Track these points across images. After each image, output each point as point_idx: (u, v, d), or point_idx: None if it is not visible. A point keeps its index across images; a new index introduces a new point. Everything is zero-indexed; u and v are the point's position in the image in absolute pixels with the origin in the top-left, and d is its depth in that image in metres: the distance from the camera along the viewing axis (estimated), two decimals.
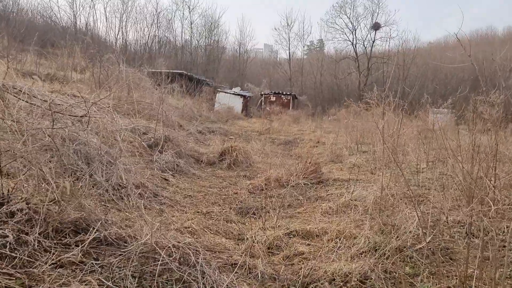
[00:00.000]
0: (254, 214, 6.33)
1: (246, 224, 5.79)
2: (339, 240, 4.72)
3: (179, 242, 4.04)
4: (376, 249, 4.31)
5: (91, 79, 18.52)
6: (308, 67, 51.92)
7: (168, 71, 28.73)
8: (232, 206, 6.65)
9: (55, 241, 3.87)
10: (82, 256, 3.73)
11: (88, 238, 3.93)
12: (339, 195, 6.99)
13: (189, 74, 32.20)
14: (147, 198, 6.26)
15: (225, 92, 31.75)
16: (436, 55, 48.18)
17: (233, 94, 31.49)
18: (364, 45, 46.83)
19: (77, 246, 3.90)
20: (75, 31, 40.21)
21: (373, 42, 46.68)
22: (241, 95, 31.72)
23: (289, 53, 51.52)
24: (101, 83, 16.18)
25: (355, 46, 46.60)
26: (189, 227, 5.12)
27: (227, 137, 16.81)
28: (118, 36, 44.95)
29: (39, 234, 3.80)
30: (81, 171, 5.50)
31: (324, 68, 50.46)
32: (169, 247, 3.78)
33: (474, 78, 40.00)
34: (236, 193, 7.74)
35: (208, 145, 12.82)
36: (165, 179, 7.89)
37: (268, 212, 6.20)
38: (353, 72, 46.54)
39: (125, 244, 4.13)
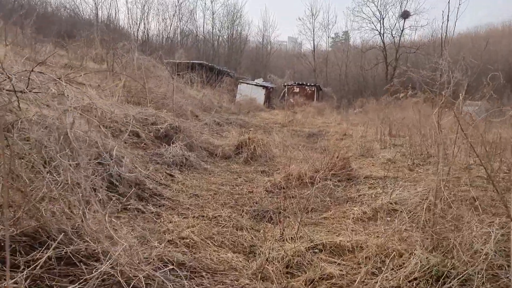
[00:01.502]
0: (271, 219, 5.24)
1: (261, 232, 4.71)
2: (380, 259, 3.58)
3: (163, 265, 2.98)
4: (434, 274, 3.16)
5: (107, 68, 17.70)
6: (333, 58, 50.28)
7: (188, 61, 27.84)
8: (245, 209, 5.57)
9: None
10: (28, 285, 2.72)
11: (39, 258, 2.91)
12: (373, 196, 5.82)
13: (209, 64, 31.20)
14: (143, 199, 5.23)
15: (247, 83, 30.62)
16: (468, 44, 45.94)
17: (255, 85, 30.36)
18: (392, 35, 44.92)
19: (29, 267, 2.90)
20: (96, 23, 39.77)
21: (402, 31, 44.70)
22: (264, 86, 30.56)
23: (314, 43, 50.01)
24: (115, 71, 15.33)
25: (383, 36, 44.73)
26: (186, 238, 4.06)
27: (247, 129, 15.77)
28: (140, 27, 44.33)
29: None
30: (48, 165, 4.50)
31: (349, 59, 48.77)
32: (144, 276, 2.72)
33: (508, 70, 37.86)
34: (252, 192, 6.66)
35: (225, 137, 11.77)
36: (170, 175, 6.86)
37: (288, 217, 5.10)
38: (380, 62, 44.72)
39: (95, 264, 3.10)
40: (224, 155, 9.62)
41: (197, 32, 49.38)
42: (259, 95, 29.71)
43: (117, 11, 56.27)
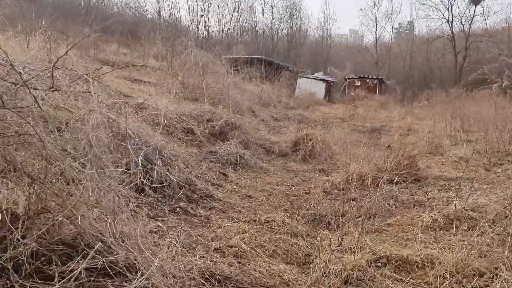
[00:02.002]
0: (329, 225, 4.81)
1: (317, 239, 4.31)
2: (456, 279, 3.07)
3: (206, 280, 2.67)
4: None
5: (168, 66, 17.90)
6: (396, 50, 48.24)
7: (246, 56, 27.70)
8: (301, 212, 5.18)
9: (30, 271, 2.69)
10: None
11: (74, 268, 2.70)
12: (445, 200, 5.21)
13: (268, 59, 30.90)
14: (193, 200, 4.98)
15: (307, 77, 30.00)
16: None
17: (315, 79, 29.68)
18: (461, 22, 42.28)
19: (64, 278, 2.71)
20: (158, 21, 40.73)
21: (472, 18, 41.94)
22: (324, 80, 29.81)
23: (376, 35, 48.24)
24: (174, 68, 15.41)
25: (451, 24, 42.22)
26: (235, 246, 3.74)
27: (305, 124, 15.30)
28: (200, 25, 44.92)
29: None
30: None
31: (414, 50, 46.56)
32: None
33: None
34: (309, 193, 6.26)
35: (282, 133, 11.40)
36: (224, 174, 6.60)
37: (347, 223, 4.65)
38: (448, 53, 42.29)
39: (134, 276, 2.85)
40: (280, 152, 9.25)
41: (256, 27, 49.30)
42: (319, 89, 29.02)
43: (178, 9, 57.40)
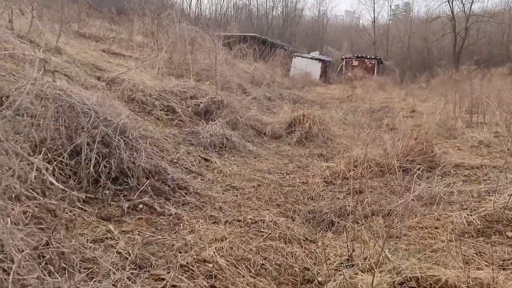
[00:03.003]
0: (333, 225, 3.83)
1: (319, 245, 3.33)
2: None
3: None
4: None
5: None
6: (394, 31, 47.01)
7: (239, 34, 26.46)
8: (297, 208, 4.20)
9: None
10: None
11: None
12: (475, 195, 4.22)
13: (262, 37, 29.63)
14: (162, 193, 3.96)
15: (302, 57, 28.80)
16: None
17: (311, 58, 28.49)
18: (462, 2, 41.01)
19: None
20: None
21: None
22: (320, 60, 28.64)
23: (374, 14, 47.09)
24: (159, 42, 14.22)
25: (451, 4, 40.93)
26: (209, 261, 2.75)
27: (301, 104, 14.28)
28: (193, 2, 43.32)
29: None
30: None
31: (412, 30, 45.35)
32: None
33: None
34: (306, 182, 5.26)
35: (276, 114, 10.37)
36: (205, 160, 5.58)
37: (356, 224, 3.68)
38: (447, 33, 41.13)
39: None
40: (274, 134, 8.24)
41: (250, 5, 47.81)
42: (315, 69, 27.90)
43: None
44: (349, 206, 4.13)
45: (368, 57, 29.79)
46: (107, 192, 3.64)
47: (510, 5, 39.68)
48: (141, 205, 3.59)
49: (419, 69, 39.55)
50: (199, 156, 5.59)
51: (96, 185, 3.69)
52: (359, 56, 29.74)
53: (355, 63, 28.87)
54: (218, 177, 4.94)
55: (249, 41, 25.50)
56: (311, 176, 5.58)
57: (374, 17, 46.53)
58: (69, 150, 3.72)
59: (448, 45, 43.01)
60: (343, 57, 30.81)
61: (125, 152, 4.00)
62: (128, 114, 6.06)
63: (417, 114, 13.15)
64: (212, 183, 4.72)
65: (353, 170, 5.64)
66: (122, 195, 3.69)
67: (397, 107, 15.64)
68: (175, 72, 11.16)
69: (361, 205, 4.18)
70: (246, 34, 27.58)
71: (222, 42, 17.87)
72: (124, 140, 4.14)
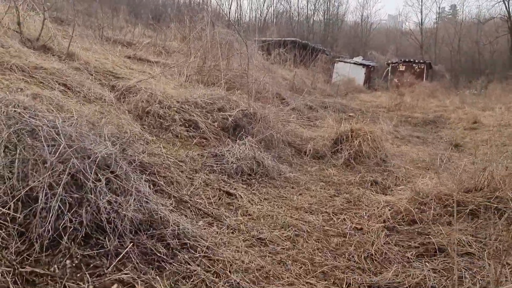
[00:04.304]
0: None
1: None
2: None
3: None
4: None
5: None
6: (442, 33, 44.44)
7: (279, 39, 25.25)
8: (351, 280, 2.87)
9: None
10: None
11: None
12: None
13: (303, 41, 28.27)
14: (154, 259, 2.73)
15: (345, 62, 27.21)
16: None
17: (354, 63, 26.85)
18: None
19: None
20: (189, 4, 38.56)
21: None
22: (364, 65, 26.94)
23: (421, 16, 44.67)
24: (192, 47, 13.19)
25: (507, 3, 38.08)
26: None
27: (346, 114, 12.85)
28: (232, 7, 42.49)
29: None
30: None
31: (462, 33, 42.68)
32: None
33: None
34: (361, 228, 3.91)
35: (318, 127, 9.02)
36: (228, 193, 4.32)
37: None
38: (502, 35, 38.33)
39: None
40: (316, 153, 6.92)
41: (290, 9, 46.57)
42: (359, 75, 26.25)
43: None
44: (430, 280, 2.76)
45: (417, 61, 27.81)
46: (67, 262, 2.44)
47: None
48: (115, 286, 2.37)
49: (470, 74, 37.07)
50: (220, 188, 4.34)
51: (55, 249, 2.51)
52: (407, 60, 27.80)
53: (402, 68, 26.97)
54: (241, 223, 3.66)
55: (289, 46, 24.25)
56: (366, 217, 4.22)
57: (421, 18, 44.27)
58: (19, 196, 2.55)
59: (501, 48, 40.20)
60: (389, 61, 28.93)
61: (105, 197, 2.80)
62: (136, 132, 4.92)
63: (480, 126, 11.44)
64: (233, 232, 3.45)
65: (422, 208, 4.26)
66: (90, 266, 2.48)
67: (454, 117, 13.93)
68: (205, 79, 10.03)
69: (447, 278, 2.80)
70: (285, 38, 26.31)
71: (259, 47, 16.73)
72: (106, 178, 2.95)
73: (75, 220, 2.63)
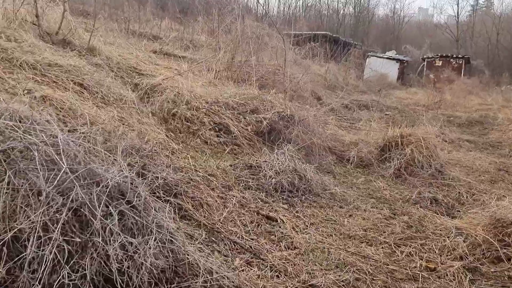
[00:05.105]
0: None
1: None
2: None
3: None
4: None
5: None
6: (479, 26, 42.52)
7: (309, 32, 24.35)
8: None
9: None
10: None
11: None
12: None
13: (334, 35, 27.27)
14: None
15: (378, 56, 26.08)
16: None
17: (387, 58, 25.70)
18: None
19: None
20: None
21: None
22: (397, 60, 25.75)
23: (458, 8, 42.79)
24: (220, 41, 12.50)
25: None
26: None
27: (382, 113, 11.98)
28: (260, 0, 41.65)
29: None
30: None
31: (501, 26, 40.72)
32: None
33: None
34: (434, 269, 3.15)
35: (358, 129, 8.21)
36: (267, 218, 3.61)
37: None
38: None
39: None
40: (360, 161, 6.16)
41: (320, 1, 45.46)
42: (392, 70, 25.11)
43: None
44: None
45: (454, 56, 26.42)
46: None
47: None
48: None
49: (508, 70, 35.30)
50: (259, 211, 3.64)
51: None
52: (444, 55, 26.44)
53: (439, 63, 25.66)
54: (287, 260, 2.95)
55: (319, 40, 23.34)
56: (436, 251, 3.45)
57: (457, 11, 42.41)
58: (3, 241, 1.91)
59: None
60: (424, 56, 27.61)
61: (117, 238, 2.13)
62: (161, 140, 4.26)
63: None
64: (278, 276, 2.74)
65: (506, 241, 3.47)
66: None
67: (503, 118, 12.83)
68: (235, 76, 9.34)
69: None
70: (316, 32, 25.39)
71: (290, 41, 15.96)
72: (120, 212, 2.28)
73: (76, 274, 1.98)
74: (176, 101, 5.77)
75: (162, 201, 3.06)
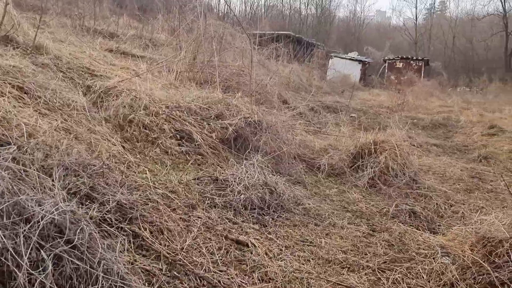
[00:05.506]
0: None
1: None
2: None
3: None
4: None
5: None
6: (436, 29, 43.63)
7: (272, 32, 24.06)
8: None
9: None
10: None
11: None
12: None
13: (297, 36, 27.12)
14: None
15: (340, 57, 26.14)
16: None
17: (350, 59, 25.80)
18: None
19: None
20: None
21: None
22: (360, 61, 25.89)
23: (416, 10, 43.74)
24: (181, 40, 11.94)
25: (503, 1, 37.36)
26: None
27: (347, 115, 11.78)
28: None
29: None
30: None
31: (457, 30, 41.98)
32: None
33: None
34: None
35: (327, 134, 7.91)
36: (237, 243, 3.18)
37: None
38: (497, 33, 37.68)
39: None
40: (332, 169, 5.84)
41: (282, 2, 45.40)
42: (355, 71, 25.22)
43: None
44: None
45: (415, 58, 26.83)
46: None
47: None
48: None
49: (465, 72, 36.36)
50: (227, 235, 3.20)
51: None
52: (404, 57, 26.80)
53: (400, 65, 25.99)
54: None
55: (282, 40, 23.09)
56: (424, 276, 3.12)
57: (416, 14, 43.37)
58: None
59: (496, 46, 39.63)
60: (386, 58, 27.93)
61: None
62: (115, 152, 3.75)
63: (499, 132, 10.44)
64: None
65: (497, 262, 3.19)
66: None
67: (465, 120, 12.93)
68: (198, 77, 8.85)
69: None
70: (279, 32, 25.13)
71: (254, 41, 15.56)
72: (57, 256, 1.79)
73: None
74: (133, 105, 5.24)
75: (114, 229, 2.59)
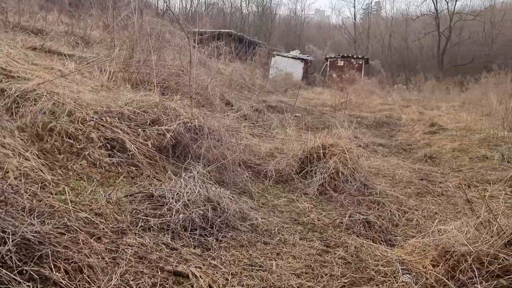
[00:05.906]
0: None
1: None
2: None
3: None
4: None
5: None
6: (374, 29, 44.95)
7: (213, 30, 23.55)
8: None
9: None
10: None
11: None
12: None
13: (239, 34, 26.76)
14: None
15: (283, 56, 26.05)
16: None
17: (293, 58, 25.78)
18: (446, 0, 39.21)
19: None
20: None
21: None
22: (302, 59, 25.94)
23: (355, 10, 44.76)
24: (115, 38, 11.17)
25: (435, 1, 39.01)
26: None
27: (291, 115, 11.54)
28: None
29: None
30: None
31: (393, 29, 43.46)
32: None
33: None
34: None
35: (272, 136, 7.56)
36: (176, 275, 2.71)
37: None
38: (430, 32, 39.32)
39: None
40: (279, 175, 5.48)
41: (223, 0, 44.92)
42: (297, 70, 25.25)
43: None
44: None
45: (355, 56, 27.29)
46: None
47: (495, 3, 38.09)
48: None
49: (399, 70, 37.71)
50: (163, 267, 2.72)
51: None
52: (345, 55, 27.19)
53: (341, 63, 26.32)
54: None
55: (224, 39, 22.63)
56: None
57: (354, 13, 44.36)
58: None
59: (430, 45, 41.43)
60: (327, 56, 28.21)
61: None
62: (27, 169, 3.16)
63: (440, 130, 10.58)
64: None
65: (462, 280, 2.94)
66: None
67: (406, 118, 13.11)
68: (133, 77, 8.20)
69: None
70: (220, 30, 24.67)
71: (194, 39, 15.00)
72: None
73: None
74: (55, 111, 4.60)
75: (14, 275, 2.04)
